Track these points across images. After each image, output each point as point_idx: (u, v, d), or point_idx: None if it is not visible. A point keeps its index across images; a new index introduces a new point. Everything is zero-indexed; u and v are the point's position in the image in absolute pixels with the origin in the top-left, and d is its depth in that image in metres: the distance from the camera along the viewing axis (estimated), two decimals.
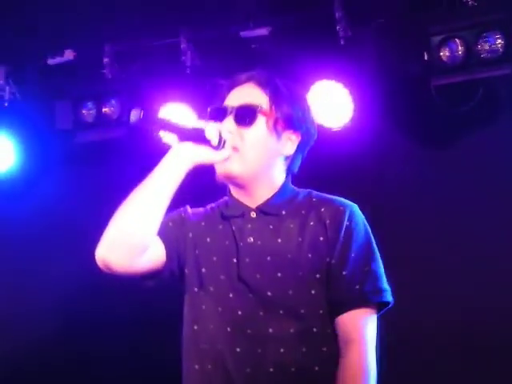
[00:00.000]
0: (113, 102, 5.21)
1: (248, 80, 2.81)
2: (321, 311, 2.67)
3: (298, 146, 2.82)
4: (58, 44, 5.31)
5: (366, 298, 2.67)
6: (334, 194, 2.83)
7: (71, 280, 5.49)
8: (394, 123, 4.92)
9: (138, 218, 2.59)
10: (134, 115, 2.60)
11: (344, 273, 2.67)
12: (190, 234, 2.78)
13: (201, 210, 2.87)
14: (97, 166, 5.54)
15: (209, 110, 2.81)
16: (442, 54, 4.58)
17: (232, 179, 2.76)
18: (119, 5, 4.78)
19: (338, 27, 4.78)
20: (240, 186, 2.78)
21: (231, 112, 2.74)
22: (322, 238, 2.69)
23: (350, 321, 2.66)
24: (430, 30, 4.64)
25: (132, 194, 2.63)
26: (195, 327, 2.71)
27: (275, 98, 2.77)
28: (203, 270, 2.73)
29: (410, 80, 4.79)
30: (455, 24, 4.62)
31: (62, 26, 4.99)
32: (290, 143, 2.80)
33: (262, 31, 4.93)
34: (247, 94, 2.78)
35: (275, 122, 2.75)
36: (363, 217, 2.78)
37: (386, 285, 2.72)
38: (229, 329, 2.65)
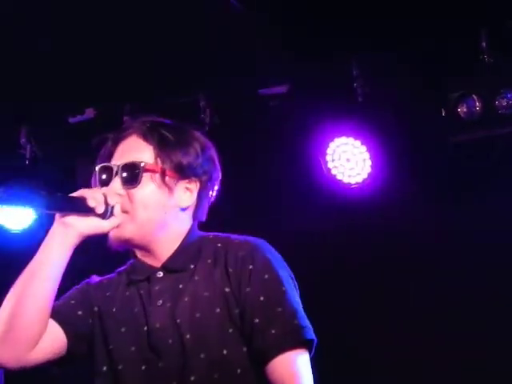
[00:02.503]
0: None
1: (132, 132, 2.53)
2: (238, 371, 2.37)
3: (199, 194, 2.53)
4: (78, 103, 5.37)
5: (285, 340, 2.36)
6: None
7: None
8: (411, 179, 4.91)
9: (21, 312, 2.34)
10: None
11: (256, 320, 2.37)
12: (96, 308, 2.51)
13: (107, 277, 2.60)
14: None
15: (95, 170, 2.54)
16: (459, 110, 4.59)
17: (125, 244, 2.48)
18: (139, 64, 4.83)
19: (355, 84, 4.82)
20: (140, 248, 2.51)
21: (117, 172, 2.47)
22: (227, 290, 2.41)
23: (276, 370, 2.35)
24: (447, 86, 4.66)
25: (15, 284, 2.39)
26: None
27: (160, 148, 2.49)
28: (111, 345, 2.45)
29: (427, 136, 4.80)
30: (472, 80, 4.64)
31: (83, 85, 5.04)
32: (187, 194, 2.51)
33: (280, 89, 4.97)
34: (131, 148, 2.51)
35: (163, 176, 2.47)
36: (270, 252, 2.47)
37: (304, 321, 2.40)
38: None
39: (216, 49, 4.68)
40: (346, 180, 4.84)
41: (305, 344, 2.39)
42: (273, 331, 2.35)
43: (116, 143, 2.55)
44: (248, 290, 2.39)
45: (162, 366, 2.38)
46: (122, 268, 2.59)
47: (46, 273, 2.39)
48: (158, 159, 2.48)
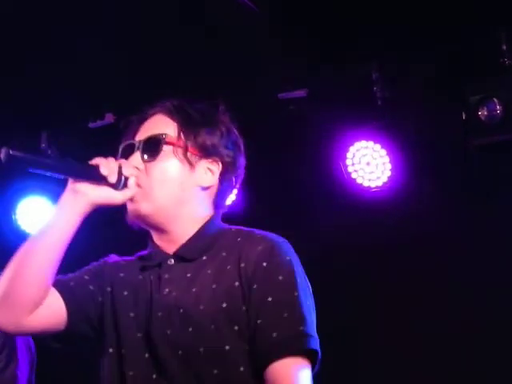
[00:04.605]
0: None
1: (157, 111, 2.51)
2: (241, 368, 2.28)
3: (221, 177, 2.48)
4: (98, 108, 5.38)
5: (286, 345, 2.24)
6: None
7: None
8: (431, 183, 4.90)
9: (20, 276, 2.29)
10: (3, 154, 2.19)
11: (259, 321, 2.27)
12: (108, 288, 2.45)
13: (126, 259, 2.54)
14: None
15: (119, 148, 2.51)
16: (480, 113, 4.57)
17: (142, 220, 2.43)
18: (157, 70, 4.84)
19: (374, 88, 4.81)
20: (156, 228, 2.45)
21: (138, 147, 2.45)
22: (236, 284, 2.32)
23: (272, 377, 2.24)
24: (467, 89, 4.64)
25: (21, 247, 2.33)
26: None
27: (185, 125, 2.46)
28: (120, 328, 2.41)
29: (447, 140, 4.78)
30: (493, 83, 4.62)
31: (103, 90, 5.06)
32: (208, 174, 2.46)
33: (300, 93, 4.96)
34: (154, 125, 2.48)
35: (185, 151, 2.43)
36: (290, 253, 2.37)
37: (310, 330, 2.28)
38: None
39: (235, 52, 4.68)
40: (366, 184, 4.85)
41: (307, 354, 2.28)
42: (274, 335, 2.25)
43: (141, 122, 2.52)
44: (255, 287, 2.30)
45: (161, 355, 2.32)
46: (142, 252, 2.53)
47: (50, 239, 2.33)
48: (182, 134, 2.45)
